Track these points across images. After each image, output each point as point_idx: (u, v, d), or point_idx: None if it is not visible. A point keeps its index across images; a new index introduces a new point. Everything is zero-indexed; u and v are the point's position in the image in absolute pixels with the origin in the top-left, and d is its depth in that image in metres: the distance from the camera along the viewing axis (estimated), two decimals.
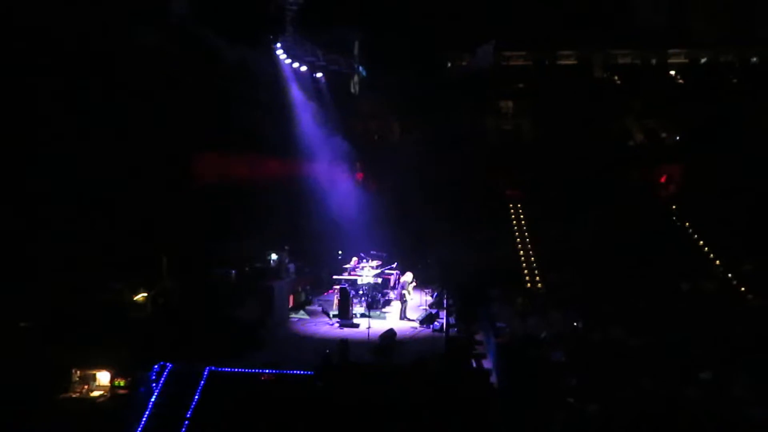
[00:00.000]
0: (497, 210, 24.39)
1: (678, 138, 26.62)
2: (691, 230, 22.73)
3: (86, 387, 11.59)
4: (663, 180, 25.54)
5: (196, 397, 11.36)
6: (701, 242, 21.75)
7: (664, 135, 26.98)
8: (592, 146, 24.88)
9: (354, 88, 22.75)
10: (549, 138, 25.84)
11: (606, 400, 10.88)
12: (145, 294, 14.53)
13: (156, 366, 11.73)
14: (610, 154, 24.97)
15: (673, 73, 28.30)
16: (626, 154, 25.83)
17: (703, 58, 27.96)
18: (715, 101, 24.87)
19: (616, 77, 28.54)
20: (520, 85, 28.31)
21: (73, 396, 11.45)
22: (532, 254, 22.03)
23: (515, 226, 24.01)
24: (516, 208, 24.89)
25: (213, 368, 11.81)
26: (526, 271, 21.15)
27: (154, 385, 11.54)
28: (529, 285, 20.27)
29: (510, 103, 28.58)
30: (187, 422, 11.03)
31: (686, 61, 28.27)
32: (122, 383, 11.63)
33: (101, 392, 11.59)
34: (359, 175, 25.25)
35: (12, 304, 13.30)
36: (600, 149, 24.91)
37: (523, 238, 23.15)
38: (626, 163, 25.22)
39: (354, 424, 10.68)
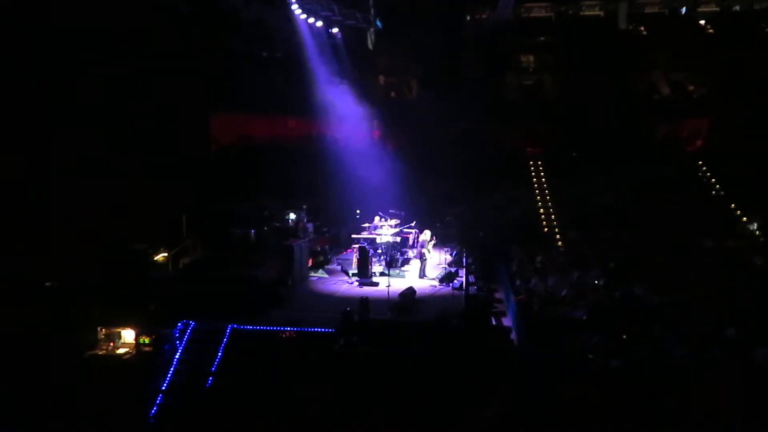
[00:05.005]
0: (517, 167, 23.99)
1: (706, 91, 25.64)
2: (717, 186, 22.18)
3: (112, 344, 11.78)
4: (689, 134, 24.79)
5: (219, 354, 11.53)
6: (728, 198, 21.22)
7: (691, 88, 26.01)
8: (616, 101, 24.12)
9: (371, 40, 22.22)
10: (571, 93, 25.11)
11: (628, 358, 10.77)
12: (166, 253, 14.66)
13: (179, 324, 11.89)
14: (635, 108, 24.21)
15: (702, 22, 27.03)
16: (652, 108, 25.03)
17: (735, 6, 26.57)
18: (747, 52, 23.75)
19: (642, 28, 27.40)
20: (542, 38, 27.36)
21: (99, 353, 11.67)
22: (553, 212, 21.74)
23: (535, 183, 23.64)
24: (536, 166, 24.46)
25: (235, 326, 11.93)
26: (546, 229, 20.92)
27: (178, 342, 11.73)
28: (549, 242, 20.04)
29: (531, 58, 27.72)
30: (210, 378, 11.25)
31: (717, 9, 26.90)
32: (147, 341, 11.78)
33: (126, 349, 11.78)
34: (376, 133, 24.94)
35: (38, 264, 13.53)
36: (624, 104, 24.16)
37: (543, 195, 22.82)
38: (652, 117, 24.47)
39: (375, 380, 10.74)
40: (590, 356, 11.05)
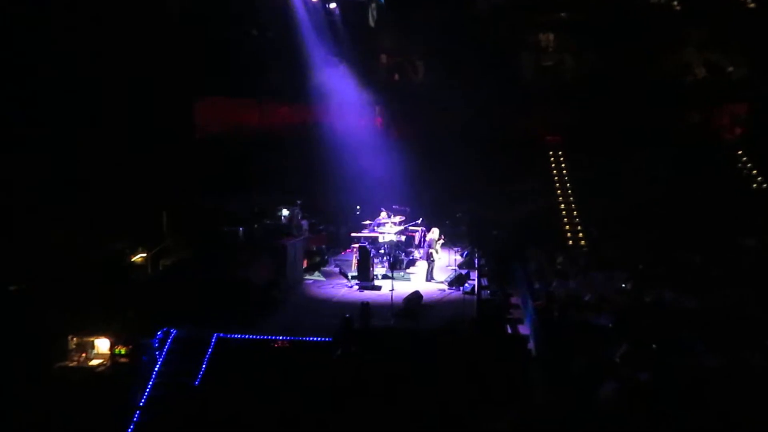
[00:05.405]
0: (535, 158, 23.93)
1: (746, 72, 25.46)
2: (759, 178, 22.04)
3: (84, 355, 11.70)
4: (727, 121, 24.66)
5: (204, 365, 11.48)
6: None
7: (730, 69, 25.83)
8: (644, 83, 24.00)
9: (372, 17, 22.13)
10: (595, 75, 25.00)
11: (658, 370, 10.73)
12: (145, 254, 14.65)
13: (159, 332, 11.84)
14: (667, 92, 24.08)
15: None
16: (685, 91, 24.89)
17: None
18: None
19: (674, 2, 27.19)
20: (563, 14, 27.18)
21: (70, 365, 11.57)
22: (575, 207, 21.68)
23: (555, 175, 23.63)
24: (557, 156, 24.44)
25: (221, 334, 11.89)
26: (567, 227, 20.90)
27: (157, 352, 11.66)
28: (570, 242, 20.00)
29: (551, 36, 27.50)
30: (194, 392, 11.17)
31: None
32: (123, 351, 11.70)
33: (100, 361, 11.69)
34: (378, 121, 24.89)
35: (1, 265, 13.52)
36: (654, 86, 24.03)
37: (564, 189, 22.81)
38: (685, 102, 24.35)
39: (377, 394, 10.69)
40: (616, 368, 10.99)
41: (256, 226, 16.21)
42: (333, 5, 22.76)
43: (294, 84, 22.71)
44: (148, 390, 11.12)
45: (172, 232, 15.71)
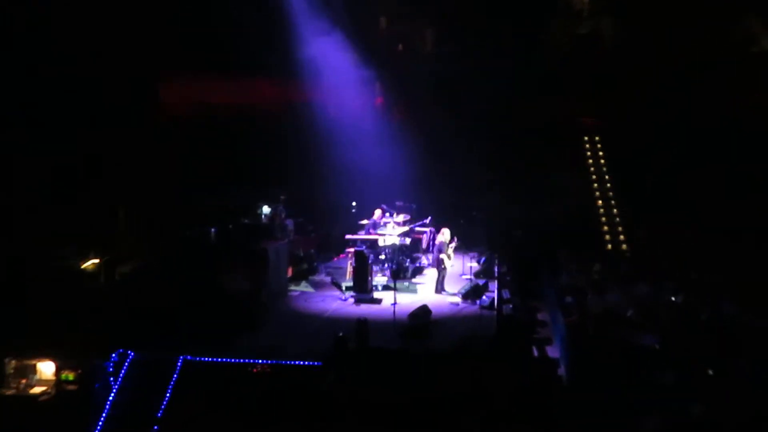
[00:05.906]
0: (568, 145, 23.96)
1: None
2: None
3: (24, 381, 11.76)
4: None
5: (168, 394, 11.54)
6: None
7: None
8: (699, 56, 23.97)
9: None
10: (639, 45, 24.96)
11: (714, 401, 10.72)
12: (98, 260, 14.67)
13: (115, 354, 11.89)
14: (727, 65, 24.05)
15: None
16: (748, 65, 24.86)
17: None
18: None
19: None
20: None
21: (7, 393, 11.62)
22: (615, 204, 21.70)
23: (592, 166, 23.69)
24: (593, 143, 24.50)
25: (189, 357, 11.98)
26: (605, 228, 20.95)
27: (112, 378, 11.72)
28: (609, 246, 19.98)
29: None
30: (156, 426, 11.22)
31: None
32: (71, 377, 11.77)
33: (44, 388, 11.75)
34: (378, 101, 24.93)
35: None
36: (711, 60, 24.00)
37: (602, 182, 22.83)
38: (748, 77, 24.31)
39: (375, 427, 10.74)
40: (662, 398, 10.99)
41: (231, 226, 16.30)
42: None
43: (276, 56, 22.67)
44: (101, 423, 11.16)
45: (131, 233, 15.73)
